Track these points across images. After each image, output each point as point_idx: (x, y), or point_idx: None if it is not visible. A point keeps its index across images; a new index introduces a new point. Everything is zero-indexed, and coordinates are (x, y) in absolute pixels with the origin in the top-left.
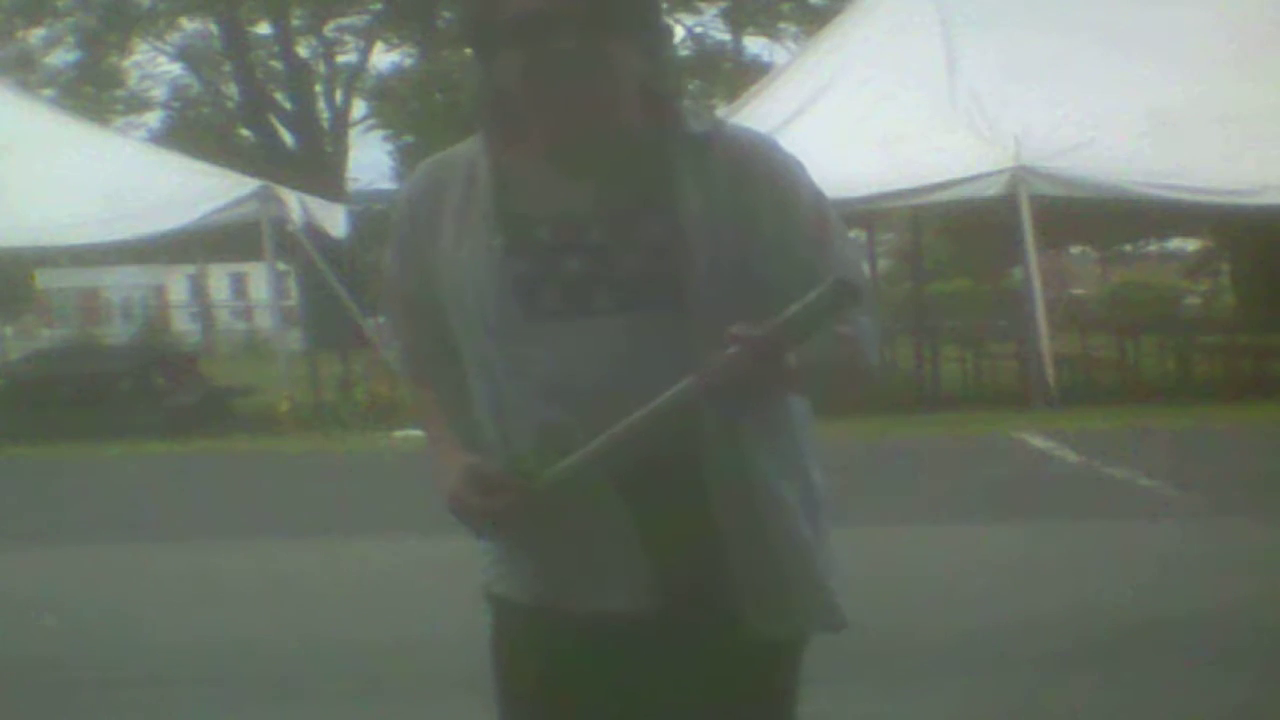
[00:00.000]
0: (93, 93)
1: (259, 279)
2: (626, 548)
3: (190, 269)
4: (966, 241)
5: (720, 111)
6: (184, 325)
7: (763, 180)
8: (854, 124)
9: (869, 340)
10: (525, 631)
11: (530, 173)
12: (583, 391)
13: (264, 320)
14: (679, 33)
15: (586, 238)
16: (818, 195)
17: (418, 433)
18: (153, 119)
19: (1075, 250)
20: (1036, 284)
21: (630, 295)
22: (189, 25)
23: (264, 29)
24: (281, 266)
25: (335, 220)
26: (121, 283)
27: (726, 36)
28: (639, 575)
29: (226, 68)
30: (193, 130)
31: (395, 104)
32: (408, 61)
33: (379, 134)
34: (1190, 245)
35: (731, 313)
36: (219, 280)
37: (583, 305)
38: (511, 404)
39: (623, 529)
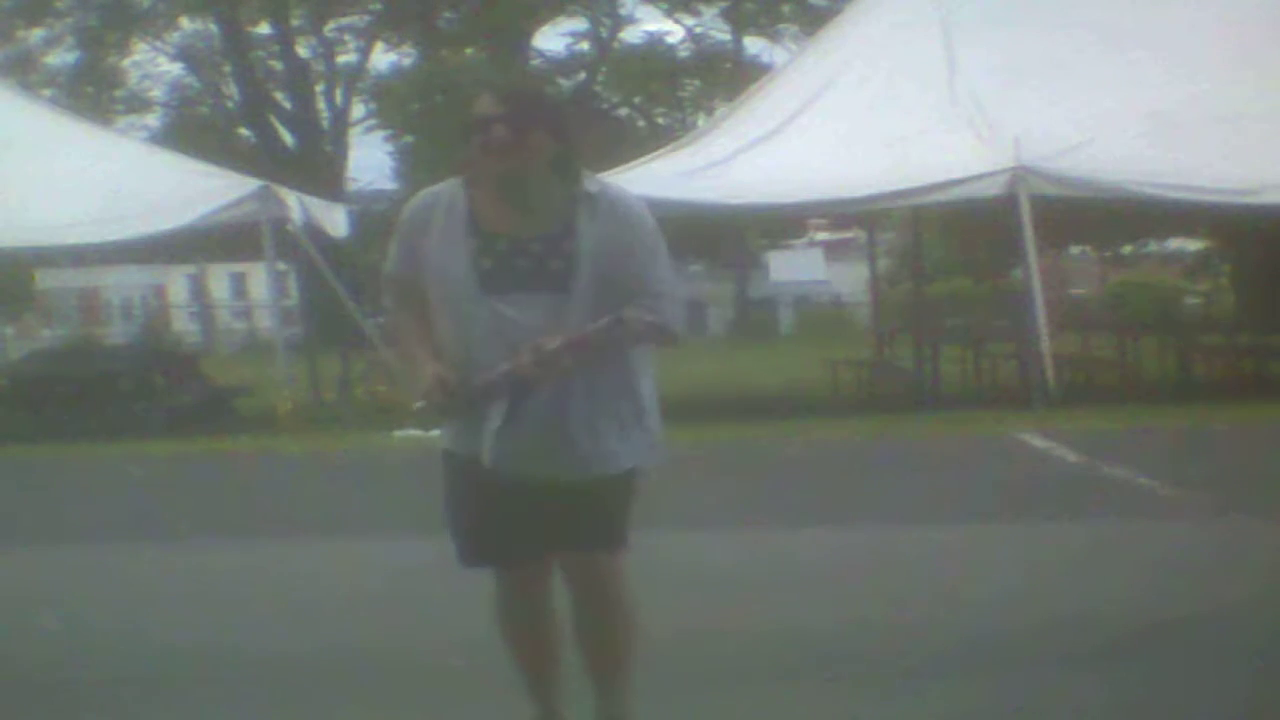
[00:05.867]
0: (93, 93)
1: (259, 279)
2: (505, 428)
3: (190, 269)
4: (966, 241)
5: (720, 111)
6: (184, 325)
7: (624, 222)
8: (854, 124)
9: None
10: (456, 469)
11: (494, 206)
12: (515, 337)
13: (264, 320)
14: (679, 33)
15: (529, 249)
16: (654, 232)
17: (417, 432)
18: (153, 119)
19: (1075, 250)
20: (1036, 284)
21: (551, 283)
22: (189, 25)
23: (264, 29)
24: (281, 266)
25: (335, 220)
26: (121, 283)
27: (726, 36)
28: (510, 444)
29: (226, 68)
30: (193, 130)
31: (395, 104)
32: (407, 61)
33: (379, 134)
34: (1190, 245)
35: (600, 297)
36: (219, 280)
37: (523, 287)
38: (471, 342)
39: (503, 416)
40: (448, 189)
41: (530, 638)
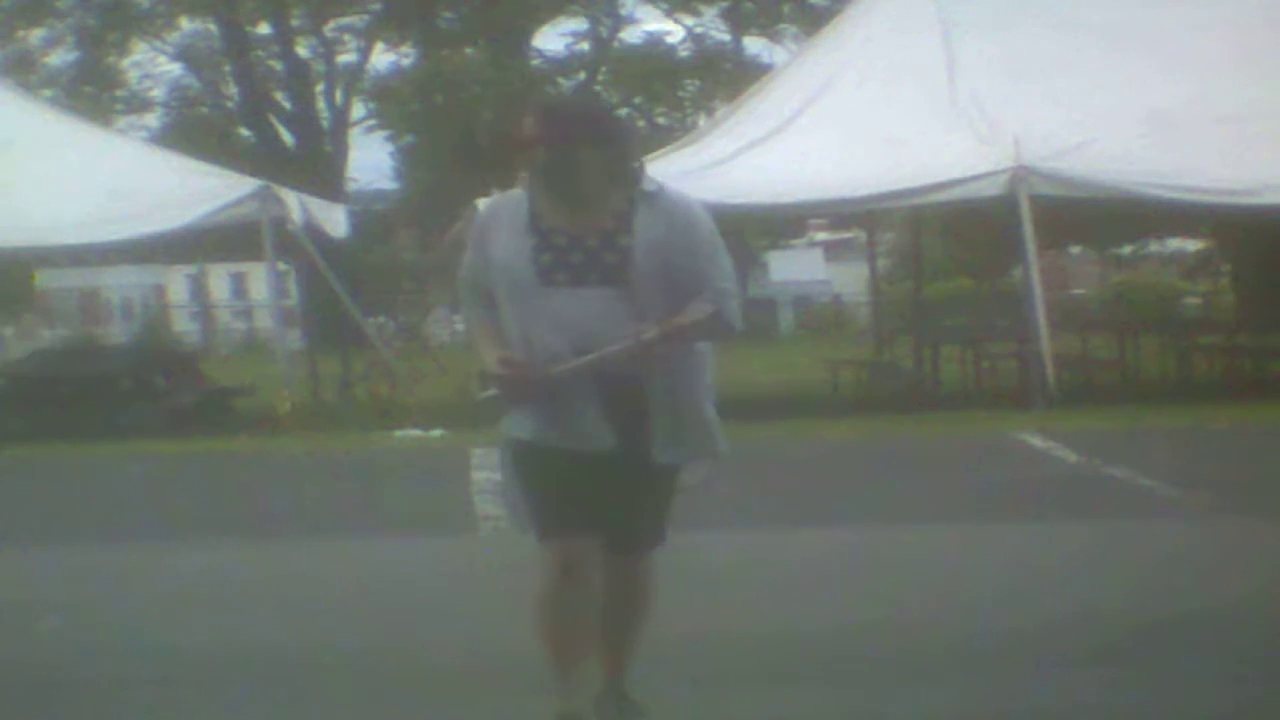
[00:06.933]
0: (93, 93)
1: (259, 279)
2: (594, 416)
3: (190, 269)
4: (966, 241)
5: (721, 111)
6: (184, 325)
7: (681, 220)
8: (854, 124)
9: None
10: (533, 458)
11: (553, 206)
12: (574, 328)
13: (264, 320)
14: (679, 33)
15: (585, 244)
16: (713, 231)
17: (417, 432)
18: (153, 119)
19: (1075, 250)
20: (1036, 284)
21: (607, 277)
22: (189, 25)
23: (264, 29)
24: (282, 266)
25: (335, 220)
26: (121, 283)
27: (726, 36)
28: (599, 432)
29: (226, 68)
30: (193, 130)
31: (395, 104)
32: (407, 61)
33: (379, 134)
34: (1190, 245)
35: (657, 292)
36: (219, 280)
37: (580, 280)
38: (533, 333)
39: (593, 406)
40: (515, 193)
41: (570, 625)
